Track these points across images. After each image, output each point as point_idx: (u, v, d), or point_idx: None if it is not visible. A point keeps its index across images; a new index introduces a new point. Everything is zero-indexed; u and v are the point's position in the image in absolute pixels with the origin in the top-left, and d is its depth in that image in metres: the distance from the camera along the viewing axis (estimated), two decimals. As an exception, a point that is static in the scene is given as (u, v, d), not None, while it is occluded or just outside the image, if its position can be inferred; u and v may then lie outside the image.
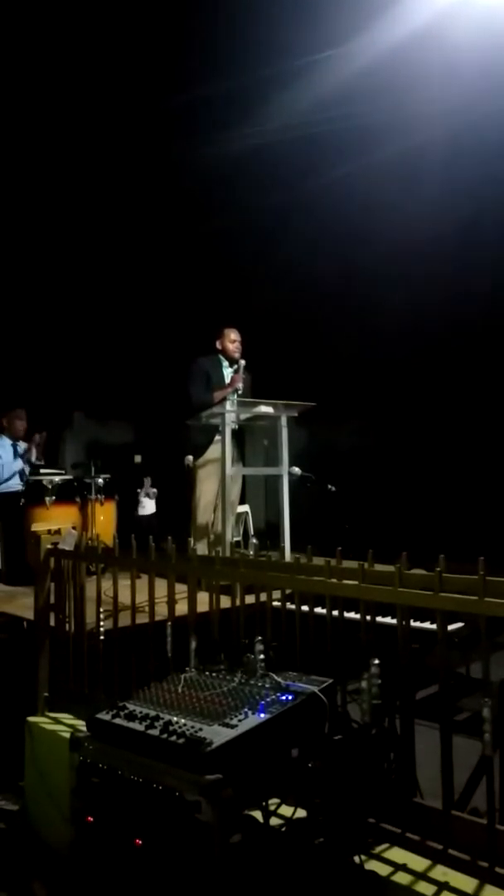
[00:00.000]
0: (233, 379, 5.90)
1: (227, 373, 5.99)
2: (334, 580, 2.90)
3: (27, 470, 7.13)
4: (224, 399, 5.75)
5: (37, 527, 6.20)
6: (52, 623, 4.40)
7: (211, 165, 8.07)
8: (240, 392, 5.85)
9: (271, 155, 8.03)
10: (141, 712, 2.27)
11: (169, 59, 7.60)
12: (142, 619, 3.73)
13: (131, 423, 10.10)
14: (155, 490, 10.33)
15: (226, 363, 6.03)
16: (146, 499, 10.50)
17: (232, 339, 6.03)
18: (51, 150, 8.24)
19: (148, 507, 10.56)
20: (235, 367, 5.93)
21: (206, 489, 5.92)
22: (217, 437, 5.79)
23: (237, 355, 5.97)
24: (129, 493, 7.49)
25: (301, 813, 2.40)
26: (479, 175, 7.28)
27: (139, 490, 10.29)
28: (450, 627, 2.80)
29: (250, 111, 7.60)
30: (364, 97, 7.28)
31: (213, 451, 5.85)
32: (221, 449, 5.41)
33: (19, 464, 7.16)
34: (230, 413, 5.33)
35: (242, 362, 5.91)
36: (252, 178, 8.33)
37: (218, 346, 6.06)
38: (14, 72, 7.34)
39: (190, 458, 6.05)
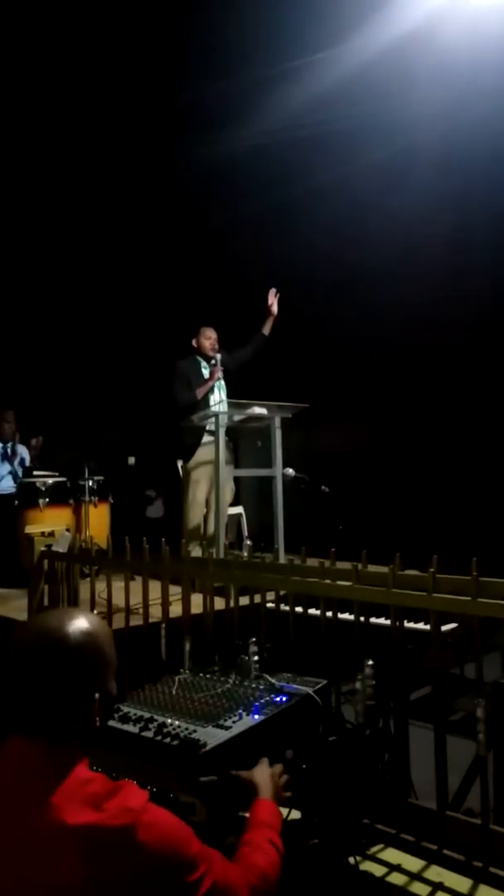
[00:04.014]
0: (211, 373, 5.95)
1: (206, 371, 6.03)
2: (328, 581, 2.90)
3: (20, 472, 7.12)
4: (208, 393, 5.86)
5: (30, 529, 6.18)
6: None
7: (205, 167, 8.07)
8: (220, 377, 5.91)
9: (265, 156, 8.03)
10: (135, 714, 2.26)
11: (162, 61, 7.60)
12: (136, 621, 3.73)
13: (125, 424, 10.09)
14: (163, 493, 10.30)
15: (203, 362, 6.07)
16: (156, 501, 10.46)
17: (207, 336, 6.07)
18: (46, 154, 8.23)
19: (158, 508, 10.53)
20: (213, 361, 5.98)
21: (197, 491, 5.93)
22: (205, 439, 5.83)
23: (213, 352, 6.01)
24: (122, 495, 7.46)
25: (295, 814, 2.40)
26: (473, 175, 7.30)
27: (150, 492, 10.26)
28: (443, 628, 2.80)
29: (241, 113, 7.59)
30: (357, 99, 7.28)
31: (202, 453, 5.87)
32: (215, 450, 5.42)
33: (7, 467, 7.15)
34: (223, 414, 5.34)
35: (218, 356, 5.96)
36: (246, 180, 8.33)
37: (194, 344, 6.11)
38: (14, 70, 7.33)
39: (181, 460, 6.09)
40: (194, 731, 2.11)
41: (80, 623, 1.55)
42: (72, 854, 1.33)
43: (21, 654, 1.52)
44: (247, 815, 2.00)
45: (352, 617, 2.86)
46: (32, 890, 1.33)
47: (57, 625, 1.55)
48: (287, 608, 3.09)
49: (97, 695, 1.53)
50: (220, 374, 5.92)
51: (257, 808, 1.87)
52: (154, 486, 10.00)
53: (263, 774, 1.98)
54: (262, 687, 2.42)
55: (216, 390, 5.98)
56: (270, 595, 3.28)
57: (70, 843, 1.34)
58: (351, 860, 2.34)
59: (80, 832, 1.34)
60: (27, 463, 7.29)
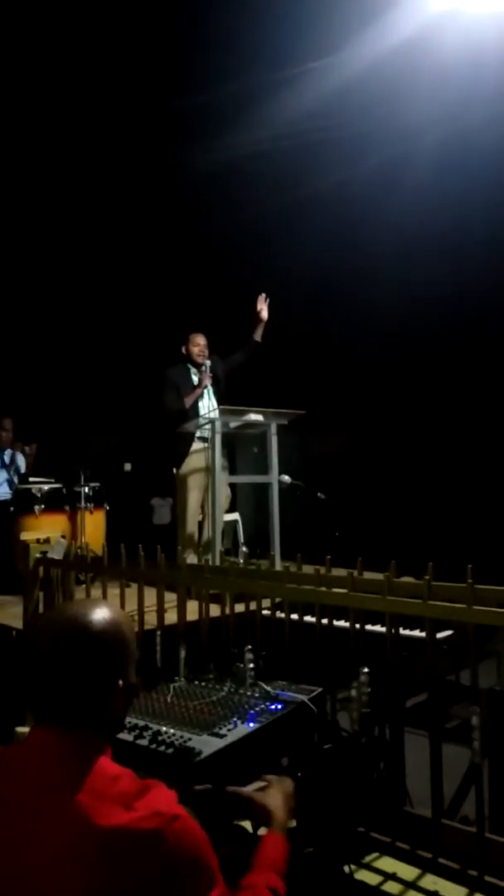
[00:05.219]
0: (200, 380, 5.98)
1: (195, 377, 6.05)
2: (323, 588, 2.90)
3: (16, 480, 7.12)
4: (198, 400, 5.89)
5: (26, 535, 6.17)
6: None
7: (201, 173, 8.08)
8: (207, 384, 5.93)
9: (261, 161, 8.04)
10: (130, 722, 2.25)
11: (160, 66, 7.62)
12: (131, 628, 3.71)
13: (121, 431, 10.09)
14: (171, 499, 10.23)
15: (193, 368, 6.09)
16: (162, 508, 10.42)
17: (196, 343, 6.10)
18: (42, 160, 8.24)
19: (164, 516, 10.47)
20: (203, 368, 6.00)
21: (191, 498, 5.94)
22: (195, 446, 5.84)
23: (202, 359, 6.04)
24: (118, 502, 7.45)
25: (290, 823, 2.39)
26: (470, 180, 7.32)
27: (157, 499, 10.22)
28: (439, 635, 2.81)
29: (238, 119, 7.61)
30: (355, 105, 7.31)
31: (193, 460, 5.88)
32: (207, 457, 5.43)
33: (4, 475, 7.15)
34: (219, 421, 5.35)
35: (208, 362, 5.99)
36: (243, 186, 8.35)
37: (184, 351, 6.13)
38: (15, 72, 7.35)
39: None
40: (189, 740, 2.10)
41: (104, 610, 1.57)
42: (96, 854, 1.31)
43: (44, 639, 1.52)
44: (242, 824, 1.99)
45: (347, 624, 2.86)
46: (50, 886, 1.31)
47: (81, 611, 1.56)
48: (283, 615, 3.09)
49: (120, 682, 1.53)
50: (208, 381, 5.95)
51: (265, 845, 1.76)
52: (158, 493, 9.99)
53: (278, 800, 1.87)
54: (257, 695, 2.42)
55: (206, 397, 5.99)
56: (266, 602, 3.28)
57: (97, 844, 1.31)
58: (346, 869, 2.33)
59: (108, 833, 1.32)
60: (23, 470, 7.28)
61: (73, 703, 1.48)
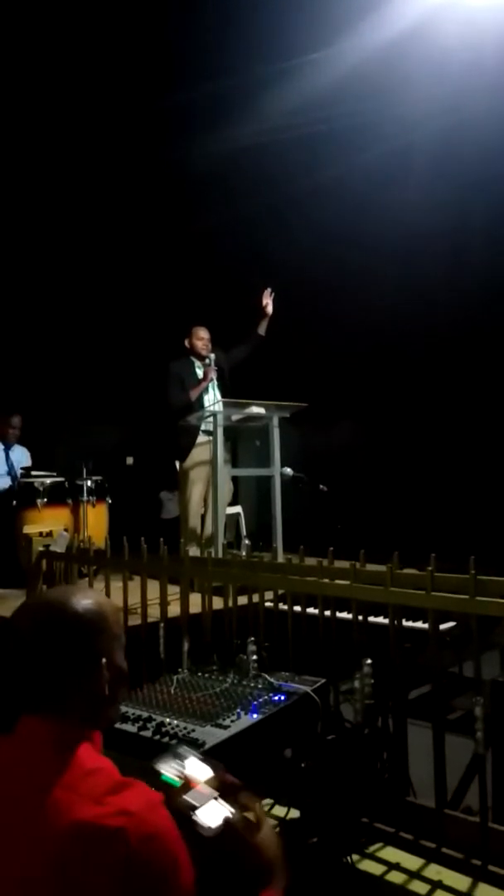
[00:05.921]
0: (205, 373, 5.96)
1: (200, 371, 6.04)
2: (326, 580, 2.90)
3: (18, 474, 7.11)
4: (203, 393, 5.86)
5: (28, 529, 6.18)
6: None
7: (199, 167, 8.06)
8: (213, 377, 5.92)
9: (260, 155, 8.02)
10: (133, 714, 2.26)
11: (156, 60, 7.59)
12: (134, 620, 3.73)
13: (123, 424, 10.09)
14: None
15: (197, 362, 6.07)
16: (170, 502, 10.37)
17: (199, 337, 6.08)
18: (39, 156, 8.21)
19: (173, 510, 10.41)
20: (207, 361, 5.98)
21: (194, 491, 5.94)
22: (200, 440, 5.83)
23: (206, 352, 6.02)
24: (120, 495, 7.44)
25: (294, 813, 2.40)
26: (470, 173, 7.30)
27: (166, 493, 10.17)
28: (441, 627, 2.81)
29: (236, 112, 7.59)
30: (353, 98, 7.28)
31: (197, 453, 5.87)
32: (211, 450, 5.42)
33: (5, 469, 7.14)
34: (221, 414, 5.34)
35: (212, 356, 5.97)
36: (243, 178, 8.33)
37: (186, 344, 6.12)
38: (9, 68, 7.33)
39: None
40: (193, 731, 2.11)
41: (81, 591, 1.53)
42: (57, 849, 1.23)
43: (21, 623, 1.50)
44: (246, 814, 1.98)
45: (350, 616, 2.86)
46: (18, 885, 1.25)
47: (58, 593, 1.57)
48: (285, 607, 3.09)
49: (103, 659, 1.47)
50: (213, 374, 5.93)
51: None
52: (163, 486, 9.97)
53: (276, 845, 1.59)
54: (260, 686, 2.42)
55: (210, 390, 5.98)
56: (269, 594, 3.29)
57: (60, 838, 1.24)
58: (349, 859, 2.34)
59: (71, 827, 1.24)
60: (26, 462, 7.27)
61: (54, 684, 1.42)
